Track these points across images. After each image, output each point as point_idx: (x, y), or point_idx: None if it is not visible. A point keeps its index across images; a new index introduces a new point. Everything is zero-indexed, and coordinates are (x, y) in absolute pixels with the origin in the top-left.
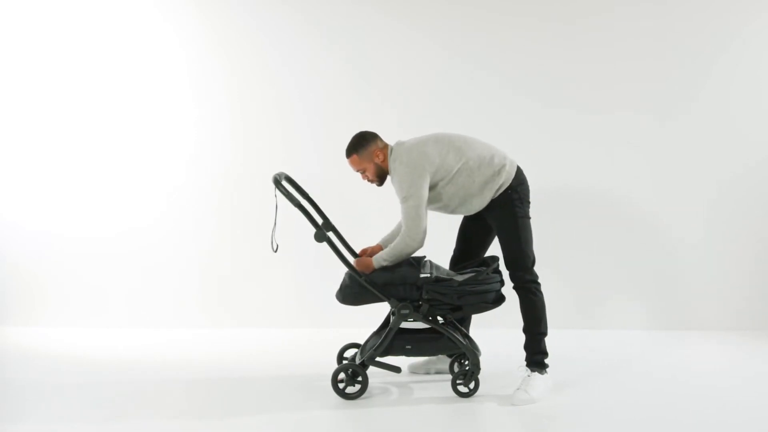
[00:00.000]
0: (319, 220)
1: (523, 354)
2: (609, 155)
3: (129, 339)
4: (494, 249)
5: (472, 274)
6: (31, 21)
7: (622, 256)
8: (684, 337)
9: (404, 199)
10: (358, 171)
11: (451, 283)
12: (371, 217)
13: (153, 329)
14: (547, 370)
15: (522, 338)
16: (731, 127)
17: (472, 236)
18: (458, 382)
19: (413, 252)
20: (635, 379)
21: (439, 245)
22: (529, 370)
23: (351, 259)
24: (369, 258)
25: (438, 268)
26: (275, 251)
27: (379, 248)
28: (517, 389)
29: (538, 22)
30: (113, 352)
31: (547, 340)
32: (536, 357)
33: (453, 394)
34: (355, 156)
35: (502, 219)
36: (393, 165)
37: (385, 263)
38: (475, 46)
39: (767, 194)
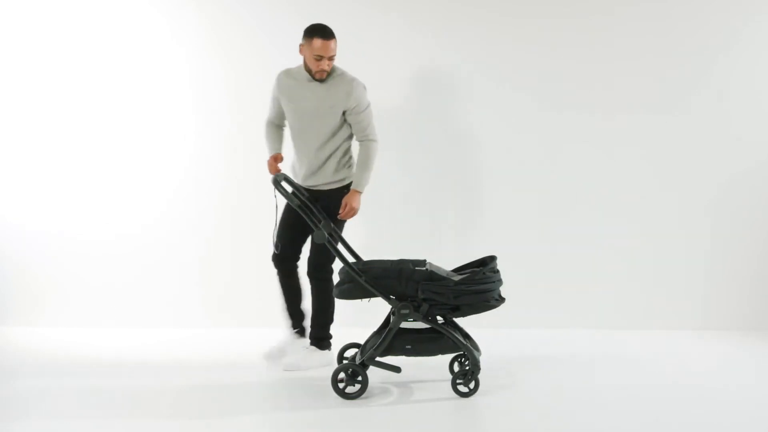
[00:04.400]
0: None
1: (523, 354)
2: (609, 155)
3: (129, 339)
4: (493, 248)
5: (469, 274)
6: (31, 21)
7: (622, 256)
8: (684, 337)
9: (367, 106)
10: (329, 57)
11: (447, 283)
12: (370, 217)
13: (153, 329)
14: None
15: (525, 337)
16: (732, 127)
17: (297, 223)
18: (458, 381)
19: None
20: (634, 378)
21: (438, 246)
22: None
23: (351, 258)
24: (353, 194)
25: (438, 268)
26: (277, 251)
27: (347, 197)
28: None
29: (538, 23)
30: (113, 352)
31: (550, 338)
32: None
33: (453, 394)
34: (335, 41)
35: (334, 210)
36: (348, 77)
37: (365, 180)
38: (474, 46)
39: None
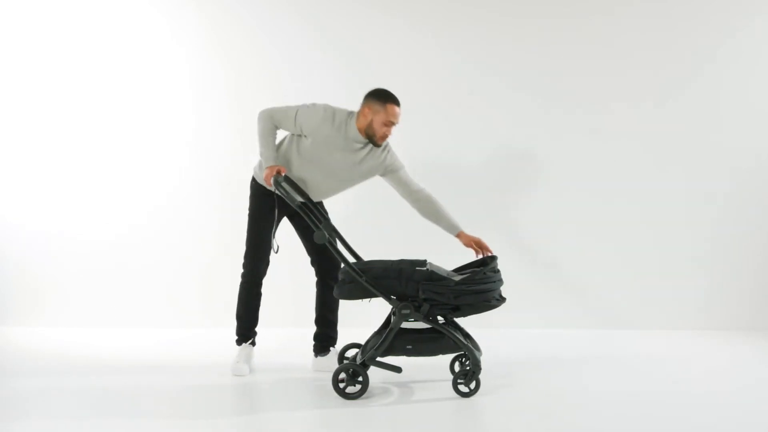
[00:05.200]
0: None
1: (523, 354)
2: (610, 156)
3: (129, 339)
4: (493, 248)
5: (470, 274)
6: (31, 21)
7: (623, 256)
8: (685, 337)
9: (398, 159)
10: (395, 124)
11: (447, 283)
12: (370, 217)
13: (153, 329)
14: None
15: (525, 337)
16: (733, 127)
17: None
18: (459, 381)
19: None
20: (635, 379)
21: (439, 246)
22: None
23: (351, 259)
24: (467, 236)
25: (438, 268)
26: (276, 252)
27: (468, 237)
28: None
29: (538, 23)
30: (113, 352)
31: (550, 338)
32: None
33: (454, 394)
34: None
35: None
36: (386, 143)
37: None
38: (474, 46)
39: None
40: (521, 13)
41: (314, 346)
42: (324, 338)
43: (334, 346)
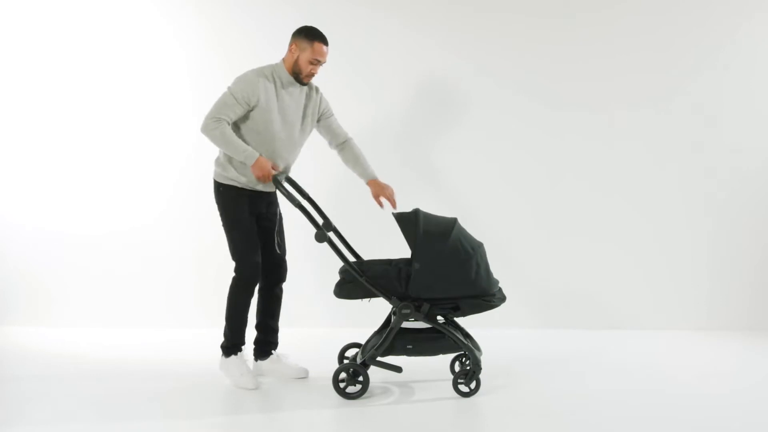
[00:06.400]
0: (320, 221)
1: (523, 354)
2: (611, 156)
3: (128, 339)
4: (493, 247)
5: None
6: (32, 21)
7: (624, 256)
8: (686, 337)
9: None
10: (323, 63)
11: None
12: (370, 217)
13: (153, 329)
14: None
15: (525, 337)
16: (735, 126)
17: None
18: (459, 381)
19: None
20: (636, 379)
21: None
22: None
23: (351, 259)
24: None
25: None
26: (279, 251)
27: (377, 183)
28: None
29: (538, 23)
30: (113, 352)
31: (550, 338)
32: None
33: (454, 393)
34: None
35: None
36: (317, 87)
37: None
38: (474, 46)
39: None
40: (521, 13)
41: (255, 350)
42: (265, 344)
43: (275, 350)
